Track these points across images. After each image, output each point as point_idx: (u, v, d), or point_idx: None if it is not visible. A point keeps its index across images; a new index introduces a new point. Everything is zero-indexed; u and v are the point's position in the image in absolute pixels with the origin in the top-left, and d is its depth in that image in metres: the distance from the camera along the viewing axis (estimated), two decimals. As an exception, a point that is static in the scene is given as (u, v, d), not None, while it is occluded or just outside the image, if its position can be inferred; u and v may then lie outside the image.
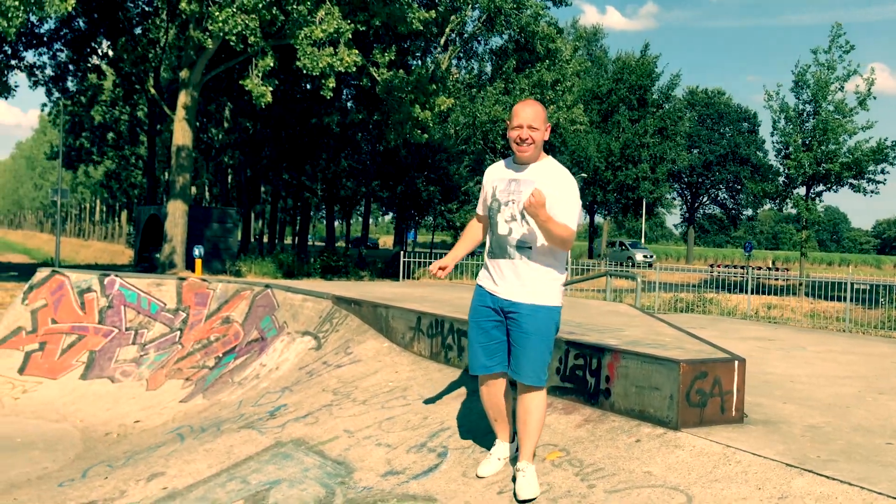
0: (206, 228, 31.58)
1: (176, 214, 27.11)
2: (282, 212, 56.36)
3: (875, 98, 29.55)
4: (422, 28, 26.74)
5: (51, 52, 31.90)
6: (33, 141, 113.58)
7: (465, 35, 39.91)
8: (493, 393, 4.14)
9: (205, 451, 5.56)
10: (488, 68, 43.17)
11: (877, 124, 29.97)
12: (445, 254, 4.38)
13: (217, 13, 22.34)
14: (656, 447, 4.02)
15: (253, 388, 7.20)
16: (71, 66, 33.27)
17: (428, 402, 5.36)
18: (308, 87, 37.30)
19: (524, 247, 3.90)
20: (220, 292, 9.62)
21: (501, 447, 4.24)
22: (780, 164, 32.84)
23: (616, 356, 4.53)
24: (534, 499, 3.82)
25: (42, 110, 34.70)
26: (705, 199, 72.61)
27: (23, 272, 27.68)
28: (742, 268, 33.93)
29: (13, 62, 29.15)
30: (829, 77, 29.89)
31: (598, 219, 65.24)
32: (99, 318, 9.65)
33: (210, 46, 24.52)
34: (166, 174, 42.46)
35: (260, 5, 22.36)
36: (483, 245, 4.22)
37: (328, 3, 23.63)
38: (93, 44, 33.13)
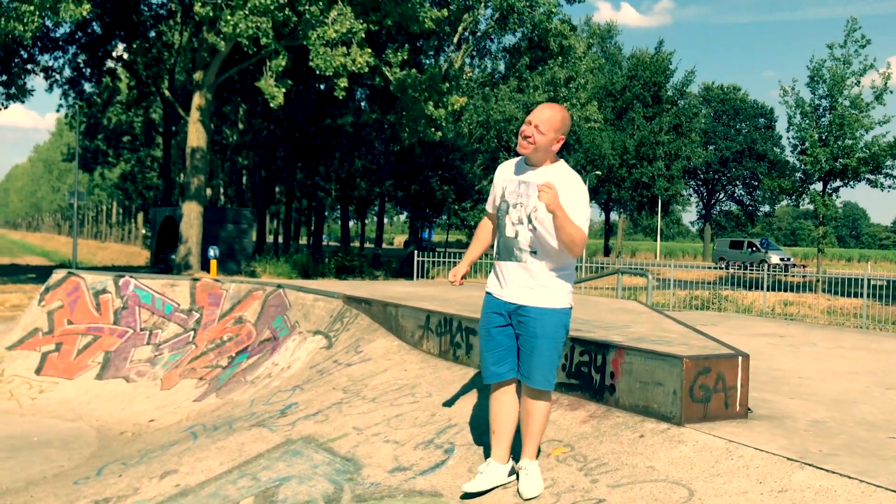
0: (221, 229, 31.77)
1: (191, 216, 27.30)
2: (296, 212, 56.57)
3: (892, 92, 29.39)
4: (434, 27, 26.79)
5: (66, 56, 32.20)
6: (50, 144, 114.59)
7: (479, 33, 39.94)
8: (502, 402, 4.03)
9: (217, 448, 5.63)
10: (501, 66, 43.20)
11: (894, 119, 29.68)
12: (462, 252, 4.39)
13: (229, 16, 22.48)
14: (660, 442, 4.05)
15: (265, 386, 7.27)
16: (86, 70, 33.55)
17: (445, 404, 5.41)
18: (322, 87, 37.47)
19: (531, 251, 3.87)
20: (233, 293, 9.72)
21: (494, 468, 4.02)
22: (797, 159, 32.67)
23: (620, 352, 4.56)
24: (538, 496, 3.85)
25: (58, 111, 35.05)
26: (722, 195, 72.28)
27: (41, 274, 27.95)
28: (760, 262, 33.79)
29: (29, 66, 29.44)
30: (845, 72, 29.73)
31: (614, 216, 65.08)
32: (114, 318, 9.76)
33: (223, 49, 24.68)
34: (181, 176, 42.72)
35: (272, 7, 22.48)
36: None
37: (340, 3, 23.72)
38: (108, 47, 33.40)
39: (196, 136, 27.24)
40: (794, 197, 32.78)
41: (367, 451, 4.91)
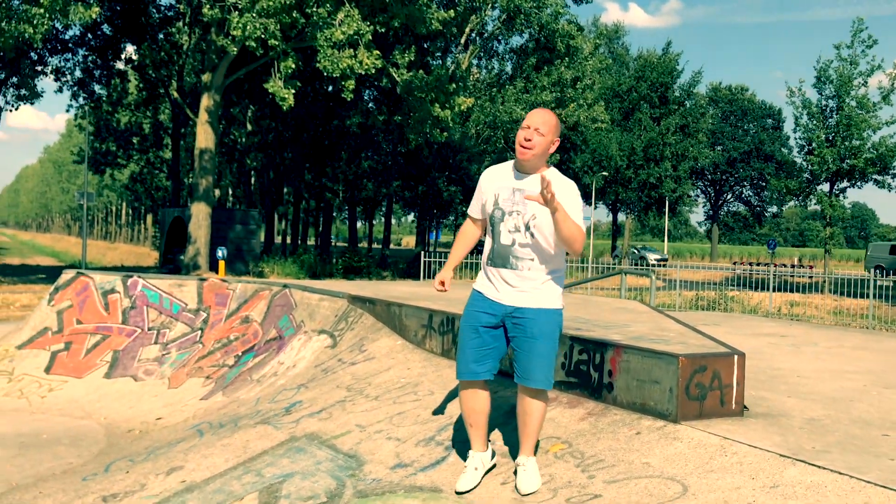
0: (230, 230, 31.93)
1: (199, 216, 27.46)
2: (304, 213, 56.76)
3: (900, 93, 29.30)
4: (441, 28, 26.90)
5: (76, 58, 32.42)
6: (60, 145, 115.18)
7: (486, 34, 40.03)
8: (477, 399, 4.10)
9: (222, 445, 5.72)
10: (508, 67, 43.27)
11: (901, 119, 29.64)
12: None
13: (237, 18, 22.62)
14: (655, 439, 4.12)
15: (270, 385, 7.36)
16: (96, 71, 33.77)
17: (446, 402, 5.49)
18: (329, 88, 37.61)
19: (527, 258, 3.92)
20: (240, 292, 9.82)
21: (477, 458, 4.18)
22: (803, 160, 32.64)
23: (618, 351, 4.63)
24: (535, 492, 3.93)
25: (68, 111, 35.30)
26: (729, 196, 72.16)
27: (51, 274, 28.14)
28: (765, 265, 33.76)
29: (39, 67, 29.66)
30: (852, 72, 29.70)
31: (621, 217, 65.07)
32: (122, 318, 9.87)
33: (231, 51, 24.82)
34: (190, 177, 42.94)
35: (280, 9, 22.61)
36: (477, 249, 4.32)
37: (348, 5, 23.84)
38: (117, 49, 33.62)
39: (204, 137, 27.40)
40: (800, 198, 32.75)
41: (369, 447, 4.99)
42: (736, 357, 4.40)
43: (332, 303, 8.29)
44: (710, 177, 70.06)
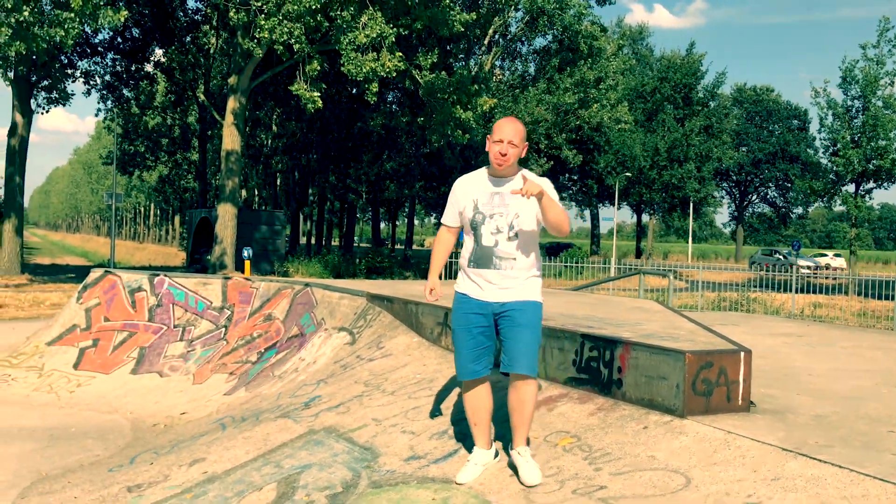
0: (255, 231, 32.28)
1: (226, 217, 27.80)
2: (329, 214, 57.14)
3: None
4: (463, 30, 27.02)
5: (104, 62, 32.92)
6: (89, 147, 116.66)
7: (509, 36, 40.09)
8: (478, 396, 4.32)
9: (243, 438, 5.89)
10: (532, 68, 43.30)
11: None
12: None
13: (263, 22, 22.91)
14: (662, 433, 4.22)
15: (291, 380, 7.53)
16: (124, 75, 34.27)
17: (461, 397, 5.60)
18: (354, 91, 37.89)
19: (509, 257, 4.16)
20: (263, 291, 10.00)
21: (481, 454, 4.35)
22: (828, 161, 32.39)
23: (627, 348, 4.73)
24: (540, 483, 4.04)
25: (97, 115, 35.84)
26: (754, 197, 71.62)
27: (80, 274, 28.59)
28: (790, 265, 33.54)
29: (69, 71, 30.15)
30: (878, 72, 29.43)
31: (645, 218, 64.84)
32: (149, 315, 10.10)
33: (257, 54, 25.13)
34: (217, 178, 43.40)
35: (305, 12, 22.86)
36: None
37: (371, 8, 24.04)
38: (146, 52, 34.11)
39: (230, 139, 27.75)
40: (825, 199, 32.50)
41: (384, 440, 5.12)
42: (742, 354, 4.48)
43: (351, 301, 8.45)
44: (734, 178, 69.61)
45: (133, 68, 34.14)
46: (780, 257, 49.57)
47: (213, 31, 33.66)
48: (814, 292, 23.04)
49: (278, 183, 48.71)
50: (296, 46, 23.77)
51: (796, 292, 20.37)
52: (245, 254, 25.18)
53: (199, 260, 33.88)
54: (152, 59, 34.66)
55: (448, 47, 35.73)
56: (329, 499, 4.49)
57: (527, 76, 42.90)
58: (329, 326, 8.41)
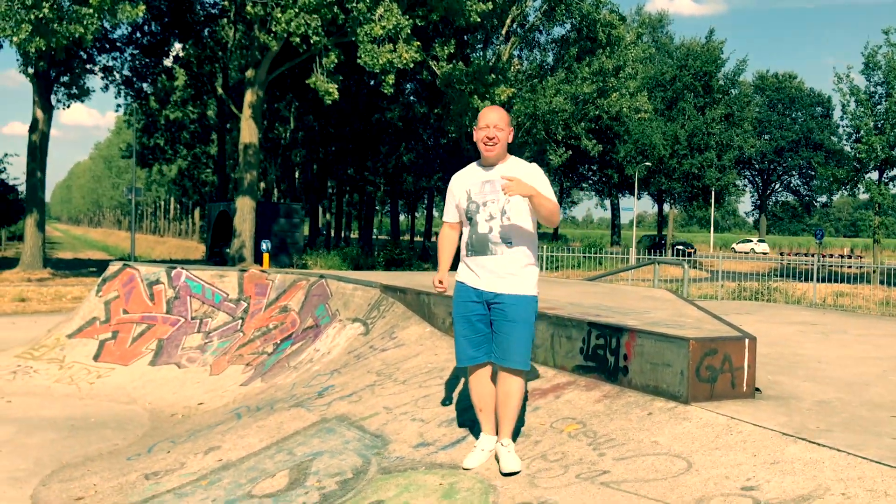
0: (274, 223, 32.49)
1: (244, 210, 28.01)
2: (348, 206, 57.35)
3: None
4: (480, 20, 26.99)
5: (124, 57, 33.20)
6: (110, 142, 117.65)
7: (527, 25, 39.95)
8: (481, 382, 4.40)
9: (258, 427, 5.99)
10: (550, 58, 43.13)
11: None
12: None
13: (280, 15, 23.02)
14: (666, 419, 4.27)
15: (306, 371, 7.63)
16: (143, 70, 34.54)
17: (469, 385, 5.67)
18: (372, 83, 37.98)
19: (505, 242, 4.23)
20: (279, 283, 10.12)
21: (487, 439, 4.44)
22: (851, 148, 32.09)
23: (633, 335, 4.77)
24: (518, 472, 4.13)
25: (117, 111, 36.18)
26: (777, 186, 71.03)
27: (101, 268, 28.94)
28: (812, 255, 33.30)
29: (88, 66, 30.44)
30: (901, 58, 29.09)
31: (666, 208, 64.54)
32: (167, 308, 10.24)
33: (274, 47, 25.25)
34: (236, 172, 43.74)
35: (321, 5, 22.95)
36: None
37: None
38: (165, 47, 34.35)
39: (248, 132, 27.93)
40: (848, 186, 32.22)
41: (394, 428, 5.21)
42: (747, 341, 4.51)
43: (365, 292, 8.53)
44: (757, 166, 69.05)
45: (152, 63, 34.41)
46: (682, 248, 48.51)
47: (230, 25, 33.83)
48: (839, 282, 22.85)
49: (297, 176, 48.94)
50: (312, 39, 23.87)
51: (819, 281, 20.24)
52: (264, 246, 25.39)
53: (218, 253, 34.17)
54: (171, 53, 34.91)
55: (465, 37, 35.69)
56: (339, 485, 4.57)
57: (545, 66, 42.75)
58: (343, 317, 8.51)
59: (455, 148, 37.01)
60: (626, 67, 39.87)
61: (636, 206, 53.40)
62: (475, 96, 27.72)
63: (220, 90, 35.30)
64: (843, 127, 32.37)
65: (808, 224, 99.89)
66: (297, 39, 23.80)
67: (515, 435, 4.47)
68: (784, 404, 4.44)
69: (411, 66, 24.86)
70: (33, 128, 27.81)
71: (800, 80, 68.12)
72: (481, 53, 37.72)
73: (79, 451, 6.71)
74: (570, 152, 44.44)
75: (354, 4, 23.76)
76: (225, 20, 34.10)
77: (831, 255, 39.72)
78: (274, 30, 24.10)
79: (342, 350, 7.68)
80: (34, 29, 20.60)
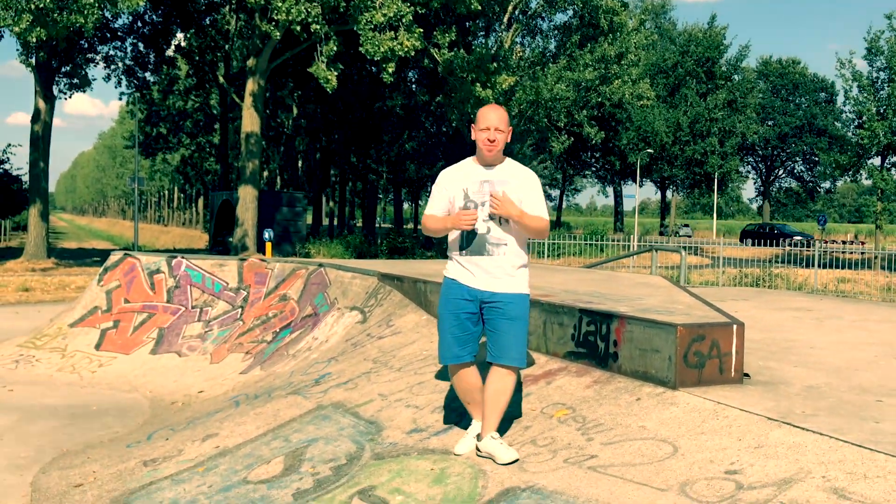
0: (276, 212, 32.54)
1: (246, 199, 28.07)
2: (352, 194, 57.39)
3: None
4: (480, 7, 26.93)
5: (125, 46, 33.20)
6: (114, 131, 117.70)
7: (529, 12, 39.84)
8: (466, 378, 4.42)
9: (255, 414, 6.07)
10: (552, 45, 43.02)
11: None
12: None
13: (280, 3, 22.99)
14: (654, 405, 4.32)
15: (304, 359, 7.70)
16: (144, 59, 34.55)
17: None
18: (374, 70, 37.95)
19: (502, 243, 4.24)
20: (278, 271, 10.18)
21: (477, 426, 4.48)
22: (853, 133, 32.03)
23: (622, 322, 4.82)
24: (517, 459, 4.14)
25: (120, 99, 36.20)
26: (781, 172, 70.87)
27: (105, 257, 29.02)
28: (816, 241, 33.25)
29: (90, 56, 30.45)
30: (904, 43, 28.98)
31: (670, 194, 64.47)
32: (167, 297, 10.32)
33: (275, 35, 25.24)
34: (238, 160, 43.77)
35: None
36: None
37: (387, -13, 24.04)
38: (166, 36, 34.34)
39: (250, 121, 27.95)
40: (850, 172, 32.16)
41: (389, 414, 5.27)
42: (735, 326, 4.56)
43: (363, 280, 8.59)
44: (760, 152, 68.87)
45: (153, 52, 34.41)
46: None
47: (232, 14, 33.81)
48: (841, 267, 22.84)
49: (300, 164, 48.96)
50: (313, 27, 23.86)
51: (821, 267, 20.23)
52: (266, 235, 25.43)
53: (221, 242, 34.26)
54: (173, 42, 34.91)
55: (467, 25, 35.60)
56: (333, 471, 4.64)
57: (547, 53, 42.65)
58: (342, 306, 8.57)
59: (458, 136, 37.00)
60: (628, 54, 39.75)
61: (638, 194, 53.41)
62: (477, 84, 27.68)
63: (221, 79, 35.31)
64: (846, 112, 32.27)
65: (812, 210, 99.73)
66: (298, 28, 23.78)
67: (506, 422, 4.52)
68: (772, 389, 4.49)
69: (412, 53, 24.83)
70: (35, 118, 27.86)
71: (803, 65, 67.92)
72: (483, 41, 37.64)
73: (79, 438, 6.80)
74: (572, 139, 44.38)
75: (355, -8, 23.74)
76: (226, 8, 34.09)
77: (834, 241, 39.61)
78: (275, 18, 24.08)
79: (340, 338, 7.74)
80: (34, 19, 20.61)
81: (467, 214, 4.16)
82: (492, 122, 4.20)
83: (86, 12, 21.07)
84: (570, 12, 40.40)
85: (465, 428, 4.65)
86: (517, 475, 4.00)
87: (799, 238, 41.10)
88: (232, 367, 8.70)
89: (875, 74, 30.18)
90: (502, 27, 38.21)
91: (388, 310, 7.69)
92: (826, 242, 31.18)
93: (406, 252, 30.66)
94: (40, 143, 27.82)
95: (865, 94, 30.33)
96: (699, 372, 4.47)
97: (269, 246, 25.17)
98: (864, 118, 30.05)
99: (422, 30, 24.91)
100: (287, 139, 45.63)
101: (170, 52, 35.67)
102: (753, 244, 27.66)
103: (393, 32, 24.24)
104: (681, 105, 51.55)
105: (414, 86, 40.29)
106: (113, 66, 32.84)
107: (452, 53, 27.79)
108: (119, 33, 32.68)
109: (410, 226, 63.79)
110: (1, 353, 9.91)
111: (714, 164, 51.35)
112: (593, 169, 62.51)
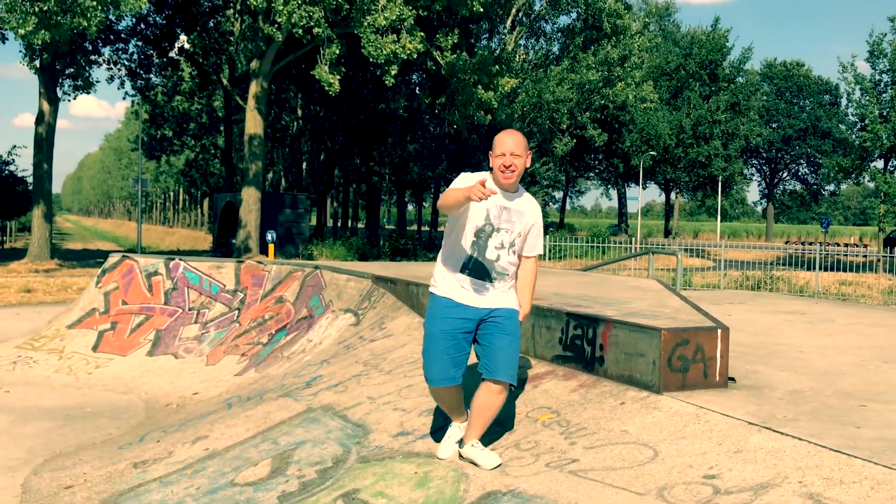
0: (279, 214, 32.60)
1: (249, 201, 28.13)
2: (356, 196, 57.45)
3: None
4: (482, 10, 26.98)
5: (128, 48, 33.31)
6: (119, 133, 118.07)
7: (532, 15, 39.89)
8: (452, 396, 4.35)
9: (245, 417, 6.09)
10: (556, 48, 43.08)
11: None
12: None
13: (282, 7, 23.05)
14: (637, 409, 4.33)
15: (298, 361, 7.73)
16: (147, 62, 34.63)
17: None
18: (378, 73, 38.01)
19: (506, 273, 4.21)
20: (275, 274, 10.21)
21: (458, 427, 4.45)
22: (855, 136, 31.98)
23: (608, 326, 4.84)
24: (500, 464, 4.17)
25: (124, 98, 36.30)
26: (785, 174, 70.74)
27: (108, 259, 29.16)
28: (818, 244, 33.21)
29: (93, 58, 30.55)
30: (907, 45, 28.92)
31: (674, 197, 64.38)
32: (165, 299, 10.35)
33: (278, 38, 25.30)
34: (242, 162, 43.84)
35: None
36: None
37: (389, -11, 24.09)
38: (170, 38, 34.43)
39: (253, 123, 28.02)
40: (853, 175, 32.10)
41: (377, 417, 5.29)
42: (720, 331, 4.57)
43: (357, 283, 8.62)
44: (764, 155, 68.76)
45: (157, 54, 34.50)
46: None
47: (236, 16, 33.89)
48: (844, 270, 22.79)
49: (304, 166, 49.03)
50: (315, 30, 23.92)
51: (823, 270, 20.19)
52: (268, 237, 25.52)
53: (225, 244, 34.33)
54: (176, 45, 35.00)
55: (471, 27, 35.65)
56: (319, 473, 4.66)
57: (551, 55, 42.69)
58: (336, 308, 8.60)
59: (459, 138, 37.04)
60: (631, 57, 39.79)
61: (641, 196, 53.38)
62: (479, 86, 27.71)
63: (225, 82, 35.40)
64: (850, 115, 32.23)
65: (816, 212, 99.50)
66: (300, 31, 23.84)
67: (491, 426, 4.51)
68: (756, 394, 4.50)
69: (414, 56, 24.88)
70: (39, 120, 27.96)
71: (807, 67, 67.77)
72: (487, 43, 37.67)
73: (73, 440, 6.82)
74: (575, 141, 44.37)
75: (357, -5, 23.80)
76: (230, 11, 34.17)
77: (836, 244, 39.54)
78: (277, 21, 24.15)
79: (333, 340, 7.77)
80: (39, 21, 20.70)
81: (482, 190, 3.72)
82: (507, 148, 4.07)
83: (89, 15, 21.15)
84: (574, 15, 40.46)
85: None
86: (499, 479, 4.02)
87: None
88: (227, 369, 8.73)
89: (878, 77, 30.15)
90: (506, 30, 38.26)
91: (381, 312, 7.71)
92: (829, 245, 31.13)
93: (409, 254, 30.70)
94: (44, 144, 27.91)
95: (868, 97, 30.28)
96: (683, 376, 4.48)
97: (271, 247, 25.25)
98: (867, 121, 29.99)
99: (423, 33, 24.95)
100: (292, 141, 45.71)
101: (173, 55, 35.76)
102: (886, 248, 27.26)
103: (395, 35, 24.29)
104: (683, 107, 51.49)
105: (417, 88, 40.33)
106: (118, 67, 32.94)
107: (455, 56, 27.83)
108: (122, 35, 32.79)
109: (414, 227, 63.81)
110: (-1, 355, 9.96)
111: (718, 167, 51.27)
112: (597, 171, 62.49)
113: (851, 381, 4.97)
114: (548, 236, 23.69)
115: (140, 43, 33.71)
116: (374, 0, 23.91)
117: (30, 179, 37.32)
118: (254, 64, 28.23)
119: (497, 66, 28.85)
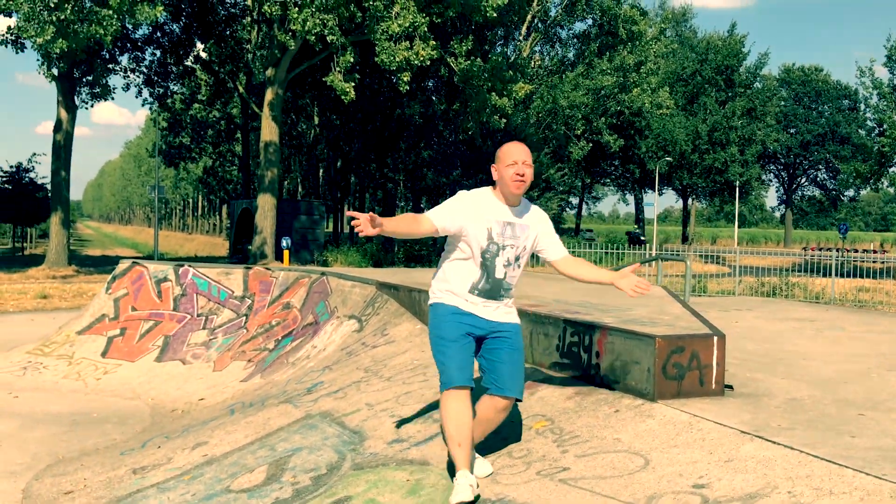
0: (295, 220, 32.73)
1: (265, 208, 28.26)
2: (372, 202, 57.53)
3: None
4: (497, 16, 26.98)
5: (144, 57, 33.57)
6: (139, 140, 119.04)
7: (548, 21, 39.89)
8: (466, 411, 3.94)
9: (245, 423, 6.10)
10: (571, 53, 43.03)
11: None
12: None
13: (296, 14, 23.18)
14: (631, 417, 4.29)
15: (302, 367, 7.74)
16: (163, 70, 34.89)
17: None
18: (394, 80, 38.10)
19: (512, 288, 4.18)
20: (282, 280, 10.24)
21: (469, 476, 3.87)
22: (873, 141, 31.70)
23: (604, 333, 4.80)
24: (491, 472, 4.15)
25: (143, 105, 36.61)
26: (804, 180, 70.21)
27: (125, 265, 29.33)
28: (836, 250, 32.88)
29: (110, 66, 30.82)
30: (926, 50, 28.66)
31: (691, 203, 64.06)
32: (174, 305, 10.41)
33: (292, 46, 25.43)
34: (258, 169, 44.03)
35: (338, 3, 23.07)
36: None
37: (403, -3, 24.15)
38: (187, 46, 34.68)
39: (269, 130, 28.16)
40: (871, 180, 31.80)
41: (373, 424, 5.28)
42: (715, 338, 4.52)
43: (362, 289, 8.63)
44: (782, 160, 68.29)
45: (174, 62, 34.76)
46: None
47: (252, 24, 34.11)
48: (862, 277, 22.54)
49: (321, 173, 49.19)
50: (329, 38, 24.02)
51: (840, 276, 19.99)
52: (284, 243, 25.64)
53: (241, 250, 34.50)
54: (193, 53, 35.25)
55: (485, 34, 35.67)
56: (313, 480, 4.65)
57: (566, 61, 42.66)
58: (341, 314, 8.61)
59: (473, 144, 37.04)
60: (647, 62, 39.69)
61: (657, 202, 53.09)
62: (493, 93, 27.71)
63: (241, 89, 35.61)
64: (869, 121, 31.96)
65: (836, 218, 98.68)
66: (314, 38, 23.95)
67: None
68: (753, 402, 4.45)
69: (428, 63, 24.93)
70: (57, 127, 28.24)
71: (826, 72, 67.31)
72: (502, 50, 37.67)
73: (76, 445, 6.87)
74: (591, 146, 44.27)
75: (371, 2, 23.87)
76: (246, 20, 34.40)
77: (855, 250, 39.15)
78: (291, 28, 24.28)
79: (336, 346, 7.77)
80: (57, 30, 20.93)
81: (357, 220, 3.61)
82: (518, 157, 4.00)
83: (105, 24, 21.36)
84: (589, 21, 40.42)
85: (446, 441, 4.61)
86: (489, 487, 3.99)
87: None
88: (234, 375, 8.76)
89: (896, 82, 29.91)
90: (521, 36, 38.26)
91: (384, 318, 7.71)
92: (847, 251, 30.76)
93: (423, 260, 30.70)
94: (62, 152, 28.18)
95: (886, 102, 30.02)
96: (678, 384, 4.44)
97: (286, 254, 25.35)
98: (885, 126, 29.72)
99: (437, 40, 25.01)
100: (309, 148, 45.88)
101: (189, 63, 36.01)
102: None
103: (408, 42, 24.35)
104: (700, 113, 51.26)
105: (432, 95, 40.40)
106: (136, 75, 33.22)
107: (469, 62, 27.85)
108: (139, 44, 33.06)
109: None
110: (10, 360, 10.05)
111: (735, 173, 50.98)
112: (613, 177, 62.30)
113: (853, 389, 4.90)
114: (564, 242, 23.56)
115: (157, 51, 33.98)
116: (387, 7, 23.99)
117: (49, 187, 37.72)
118: (269, 72, 28.39)
119: (511, 72, 28.85)
